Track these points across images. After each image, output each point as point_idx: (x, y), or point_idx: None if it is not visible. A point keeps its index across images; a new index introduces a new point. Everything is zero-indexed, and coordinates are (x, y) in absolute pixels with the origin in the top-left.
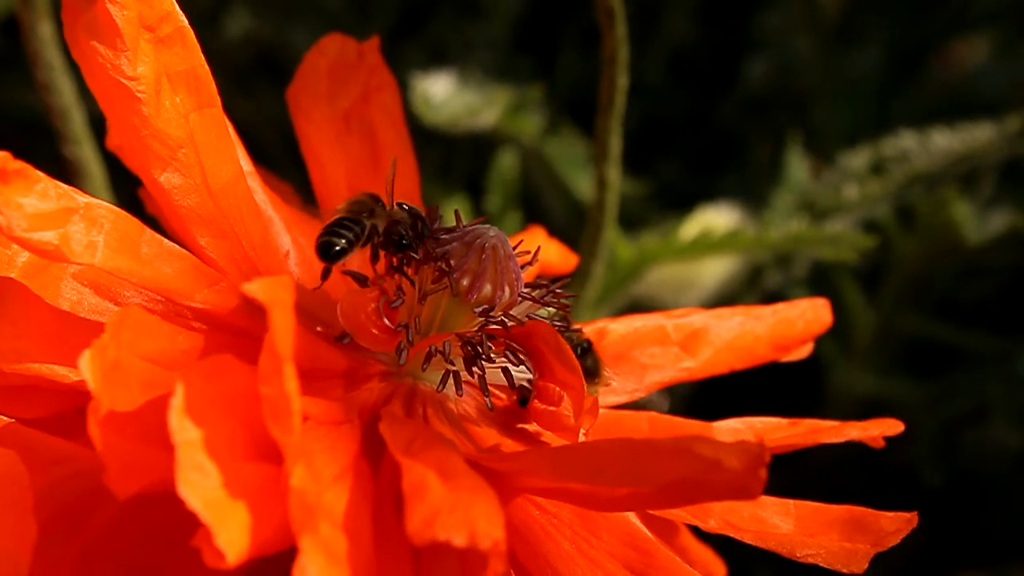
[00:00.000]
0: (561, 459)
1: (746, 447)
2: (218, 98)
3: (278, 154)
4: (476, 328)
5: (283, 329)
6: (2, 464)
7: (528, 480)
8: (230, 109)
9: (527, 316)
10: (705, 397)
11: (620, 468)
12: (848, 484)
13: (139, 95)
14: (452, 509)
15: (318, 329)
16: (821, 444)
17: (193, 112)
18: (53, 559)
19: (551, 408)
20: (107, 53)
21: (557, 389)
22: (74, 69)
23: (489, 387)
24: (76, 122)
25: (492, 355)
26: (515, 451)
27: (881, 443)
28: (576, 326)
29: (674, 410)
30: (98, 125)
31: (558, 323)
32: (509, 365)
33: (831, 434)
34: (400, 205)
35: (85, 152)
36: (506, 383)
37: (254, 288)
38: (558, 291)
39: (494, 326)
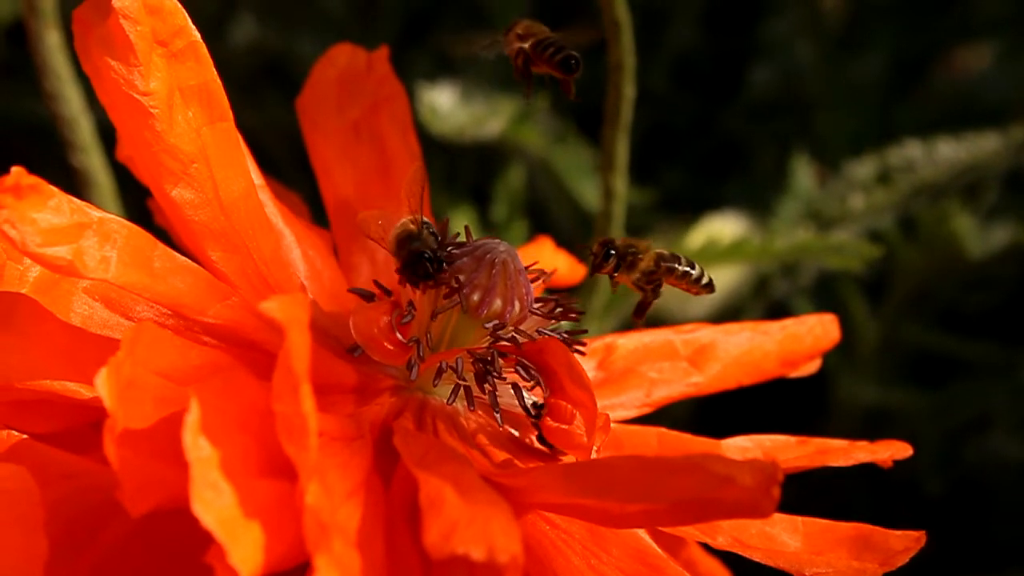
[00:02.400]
0: (573, 475)
1: (759, 465)
2: (230, 111)
3: (284, 162)
4: (487, 344)
5: (300, 348)
6: (12, 480)
7: (540, 496)
8: (236, 118)
9: (538, 331)
10: (710, 405)
11: (632, 485)
12: (852, 492)
13: (152, 110)
14: (470, 523)
15: (329, 343)
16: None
17: (205, 126)
18: (64, 575)
19: (563, 426)
20: (120, 68)
21: (569, 407)
22: (82, 78)
23: (500, 403)
24: (84, 131)
25: (503, 372)
26: (527, 467)
27: (889, 464)
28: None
29: (681, 419)
30: (106, 134)
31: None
32: (520, 382)
33: (840, 455)
34: (427, 227)
35: (93, 161)
36: (517, 399)
37: (271, 307)
38: (567, 305)
39: (505, 342)
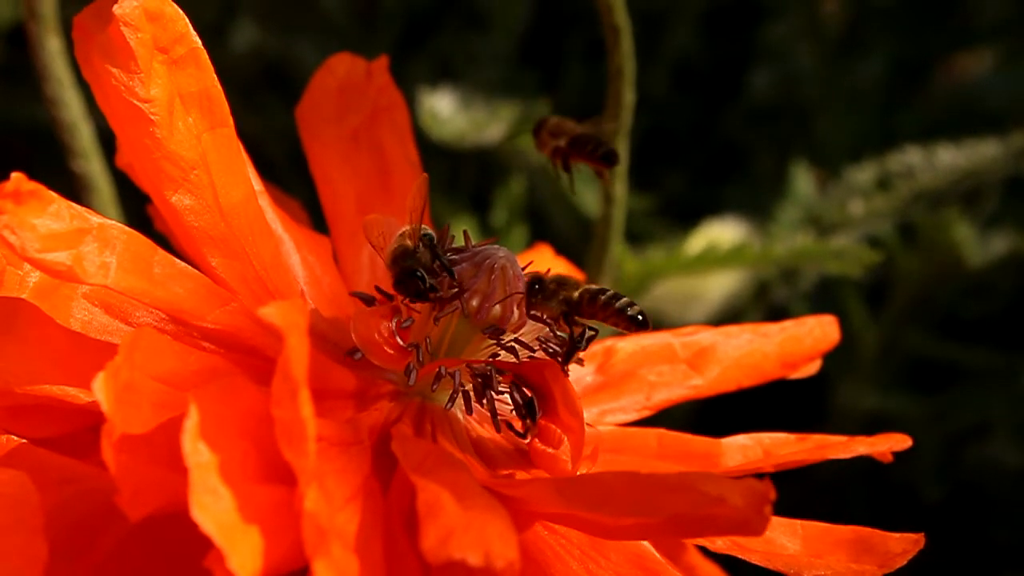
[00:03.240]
0: (566, 490)
1: (751, 485)
2: (230, 117)
3: (284, 167)
4: (486, 349)
5: (298, 353)
6: (11, 485)
7: (535, 507)
8: (236, 124)
9: (537, 340)
10: (710, 410)
11: (625, 500)
12: (851, 498)
13: (152, 117)
14: (467, 528)
15: (329, 348)
16: (828, 460)
17: (206, 132)
18: None
19: (550, 449)
20: (120, 75)
21: (558, 431)
22: (82, 83)
23: (497, 412)
24: (84, 136)
25: (500, 387)
26: (521, 479)
27: (889, 458)
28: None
29: (680, 422)
30: (106, 139)
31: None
32: (515, 397)
33: (839, 450)
34: (424, 238)
35: (93, 166)
36: (512, 412)
37: (270, 312)
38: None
39: (505, 353)
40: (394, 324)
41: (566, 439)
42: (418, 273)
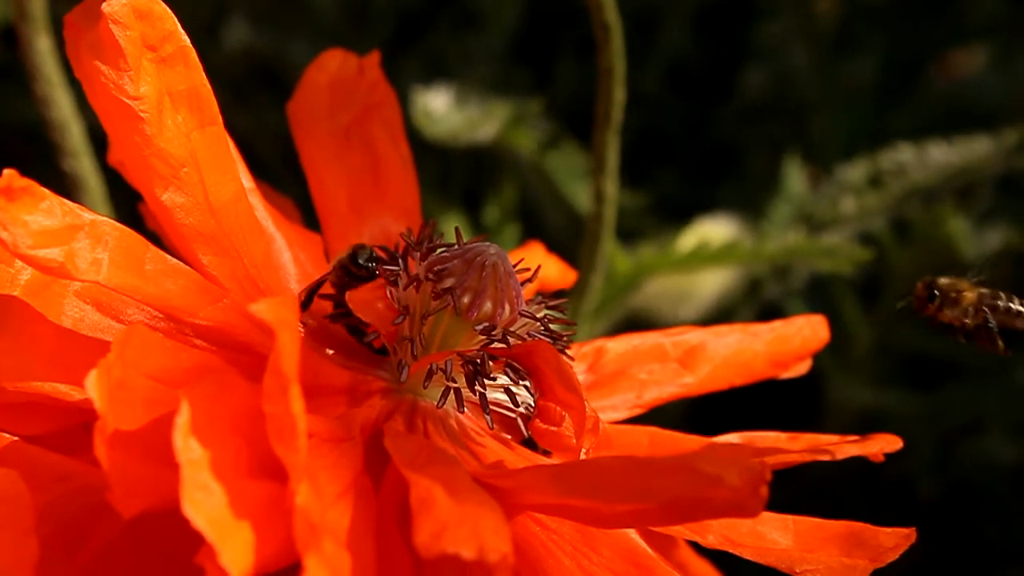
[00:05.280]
0: (563, 475)
1: (748, 465)
2: (219, 116)
3: (277, 166)
4: (477, 346)
5: (289, 349)
6: (2, 483)
7: (530, 496)
8: (228, 122)
9: (528, 334)
10: (703, 408)
11: (621, 485)
12: (845, 496)
13: (142, 114)
14: (460, 523)
15: (327, 351)
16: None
17: (195, 131)
18: None
19: (552, 428)
20: (110, 73)
21: (558, 409)
22: (73, 83)
23: (489, 405)
24: (75, 136)
25: (493, 374)
26: (516, 468)
27: (881, 458)
28: None
29: (673, 422)
30: (97, 138)
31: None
32: (510, 384)
33: (830, 451)
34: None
35: (84, 165)
36: (507, 401)
37: (260, 309)
38: (556, 307)
39: (496, 344)
40: (389, 293)
41: (567, 415)
42: (351, 268)
